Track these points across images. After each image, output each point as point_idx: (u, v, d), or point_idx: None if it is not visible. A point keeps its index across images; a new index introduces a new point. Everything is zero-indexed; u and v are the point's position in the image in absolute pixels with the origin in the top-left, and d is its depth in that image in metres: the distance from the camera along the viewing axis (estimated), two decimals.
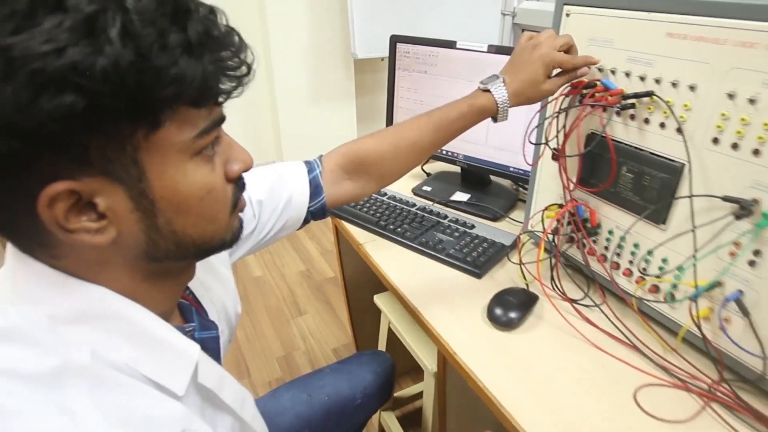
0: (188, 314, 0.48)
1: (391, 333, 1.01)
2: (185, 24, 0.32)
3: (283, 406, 0.78)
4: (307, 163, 0.64)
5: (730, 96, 0.49)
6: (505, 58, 0.65)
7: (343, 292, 1.28)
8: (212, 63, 0.33)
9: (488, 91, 0.61)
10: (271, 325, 1.68)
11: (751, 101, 0.48)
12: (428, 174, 1.11)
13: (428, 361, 0.86)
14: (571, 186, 0.68)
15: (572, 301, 0.69)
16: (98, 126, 0.30)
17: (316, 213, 0.63)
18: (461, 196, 0.99)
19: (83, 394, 0.34)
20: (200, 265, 0.47)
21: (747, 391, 0.55)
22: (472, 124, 0.64)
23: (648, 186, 0.59)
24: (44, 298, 0.36)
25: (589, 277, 0.71)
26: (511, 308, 0.66)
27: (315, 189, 0.62)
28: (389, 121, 1.10)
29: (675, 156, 0.56)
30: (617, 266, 0.66)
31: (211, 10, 0.35)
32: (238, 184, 0.41)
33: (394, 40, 1.02)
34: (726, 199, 0.51)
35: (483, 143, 0.95)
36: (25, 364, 0.33)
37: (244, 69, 0.37)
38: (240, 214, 0.43)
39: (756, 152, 0.48)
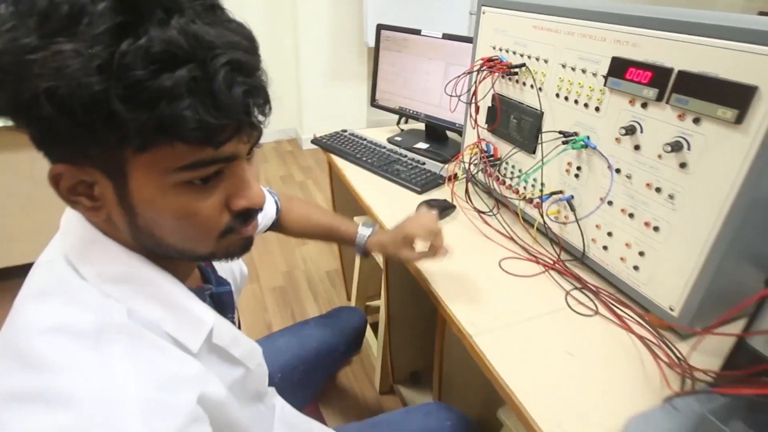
0: (205, 273, 0.52)
1: None
2: (174, 71, 0.30)
3: (279, 348, 0.84)
4: (273, 193, 0.80)
5: (563, 66, 0.71)
6: (457, 44, 0.86)
7: None
8: (207, 110, 0.31)
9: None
10: (279, 248, 1.94)
11: (573, 69, 0.69)
12: (402, 129, 1.34)
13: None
14: (479, 128, 0.91)
15: (479, 211, 0.91)
16: (93, 136, 0.31)
17: (271, 227, 0.80)
18: (422, 145, 1.22)
19: (121, 351, 0.34)
20: None
21: (574, 264, 0.77)
22: (343, 242, 0.81)
23: (524, 127, 0.81)
24: (96, 258, 0.38)
25: (493, 195, 0.94)
26: (433, 207, 0.89)
27: (277, 212, 0.79)
28: (374, 82, 1.31)
29: (538, 106, 0.77)
30: (509, 186, 0.89)
31: (238, 65, 0.32)
32: (241, 215, 0.40)
33: (379, 27, 1.24)
34: (561, 132, 0.73)
35: (437, 104, 1.17)
36: (71, 320, 0.34)
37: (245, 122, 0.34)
38: (246, 236, 0.42)
39: (576, 102, 0.70)
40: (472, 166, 0.95)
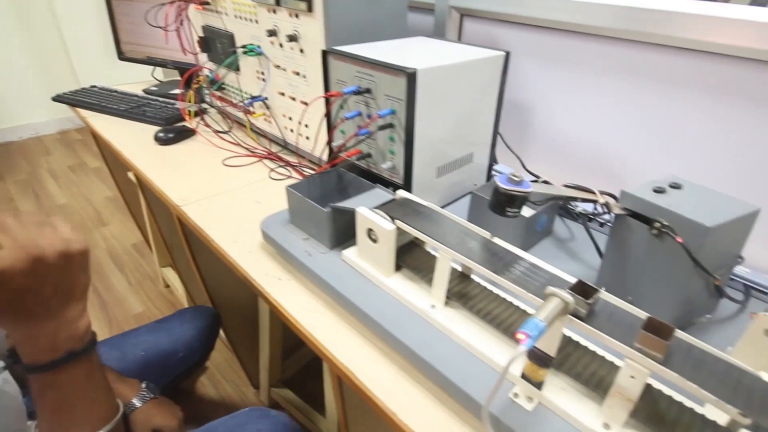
0: None
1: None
2: None
3: None
4: None
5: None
6: None
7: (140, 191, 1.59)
8: None
9: None
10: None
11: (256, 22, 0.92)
12: (160, 81, 1.47)
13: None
14: (200, 58, 1.10)
15: (215, 131, 1.11)
16: None
17: None
18: (178, 91, 1.37)
19: None
20: None
21: (284, 152, 1.02)
22: None
23: (223, 49, 1.03)
24: None
25: (229, 116, 1.15)
26: (170, 133, 1.07)
27: None
28: (115, 35, 1.40)
29: (228, 29, 1.00)
30: (231, 102, 1.10)
31: None
32: None
33: None
34: (243, 46, 0.96)
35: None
36: None
37: None
38: None
39: (247, 19, 0.93)
40: (203, 94, 1.15)
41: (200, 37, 1.07)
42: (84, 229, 1.90)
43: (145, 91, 1.38)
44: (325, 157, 0.85)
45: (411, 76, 0.59)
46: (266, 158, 1.00)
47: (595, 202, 0.59)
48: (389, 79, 0.63)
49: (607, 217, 0.74)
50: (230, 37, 0.99)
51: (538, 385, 0.43)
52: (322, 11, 0.75)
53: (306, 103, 0.87)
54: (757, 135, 0.69)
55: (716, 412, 0.39)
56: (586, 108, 0.88)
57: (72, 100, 1.25)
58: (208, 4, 1.01)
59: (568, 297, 0.38)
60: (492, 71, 0.75)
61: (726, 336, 0.55)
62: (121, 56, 1.39)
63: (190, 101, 1.17)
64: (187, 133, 1.10)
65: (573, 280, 0.42)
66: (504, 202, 0.50)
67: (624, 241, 0.54)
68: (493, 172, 0.87)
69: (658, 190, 0.51)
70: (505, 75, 0.75)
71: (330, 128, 0.79)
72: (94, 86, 1.33)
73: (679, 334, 0.38)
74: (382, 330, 0.53)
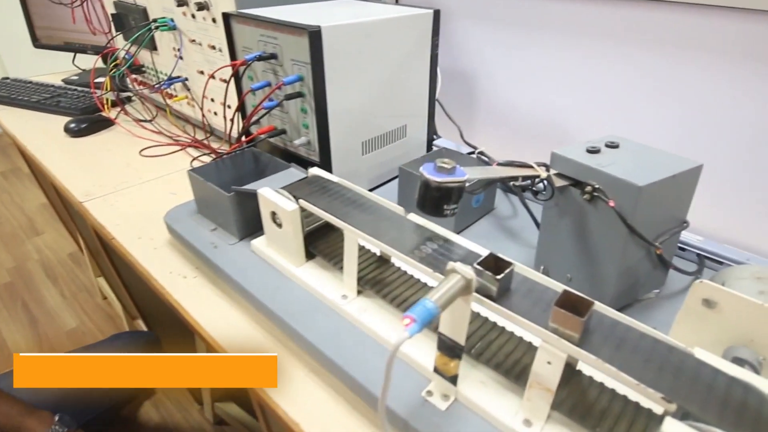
0: None
1: None
2: None
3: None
4: None
5: None
6: None
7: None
8: None
9: None
10: (2, 246, 1.79)
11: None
12: (83, 69, 1.37)
13: None
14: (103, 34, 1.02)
15: (137, 120, 1.03)
16: None
17: None
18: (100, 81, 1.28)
19: None
20: None
21: (212, 139, 0.95)
22: None
23: (137, 26, 0.95)
24: None
25: (149, 102, 1.07)
26: (82, 123, 0.98)
27: None
28: (28, 21, 1.29)
29: (137, 3, 0.92)
30: (150, 86, 1.02)
31: None
32: None
33: None
34: (154, 20, 0.88)
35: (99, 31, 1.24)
36: None
37: None
38: None
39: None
40: (122, 80, 1.07)
41: (112, 14, 0.99)
42: (15, 240, 1.78)
43: (65, 80, 1.28)
44: (244, 138, 0.78)
45: (314, 35, 0.53)
46: (190, 146, 0.93)
47: (535, 177, 0.53)
48: (293, 41, 0.56)
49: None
50: (143, 12, 0.91)
51: (453, 380, 0.38)
52: None
53: (226, 81, 0.80)
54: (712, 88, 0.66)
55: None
56: (533, 72, 0.83)
57: None
58: None
59: (470, 273, 0.32)
60: (419, 32, 0.69)
61: (675, 312, 0.51)
62: (36, 43, 1.29)
63: (107, 89, 1.08)
64: (104, 124, 1.02)
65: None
66: (438, 199, 0.40)
67: (559, 212, 0.49)
68: (435, 147, 0.82)
69: (593, 150, 0.46)
70: (436, 37, 0.70)
71: (242, 105, 0.72)
72: (7, 78, 1.23)
73: (601, 308, 0.33)
74: (287, 327, 0.47)
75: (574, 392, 0.35)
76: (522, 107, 0.87)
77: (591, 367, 0.30)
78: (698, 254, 0.58)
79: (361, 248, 0.50)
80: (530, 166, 0.52)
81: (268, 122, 0.67)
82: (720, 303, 0.35)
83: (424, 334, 0.43)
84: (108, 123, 1.02)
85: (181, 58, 0.89)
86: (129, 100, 1.13)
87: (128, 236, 0.68)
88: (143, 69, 1.03)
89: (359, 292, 0.48)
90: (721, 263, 0.57)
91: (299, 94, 0.59)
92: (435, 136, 0.80)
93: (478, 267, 0.34)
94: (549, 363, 0.32)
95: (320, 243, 0.52)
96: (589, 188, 0.43)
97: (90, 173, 0.85)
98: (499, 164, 0.51)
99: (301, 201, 0.49)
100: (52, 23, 1.26)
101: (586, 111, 0.78)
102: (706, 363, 0.30)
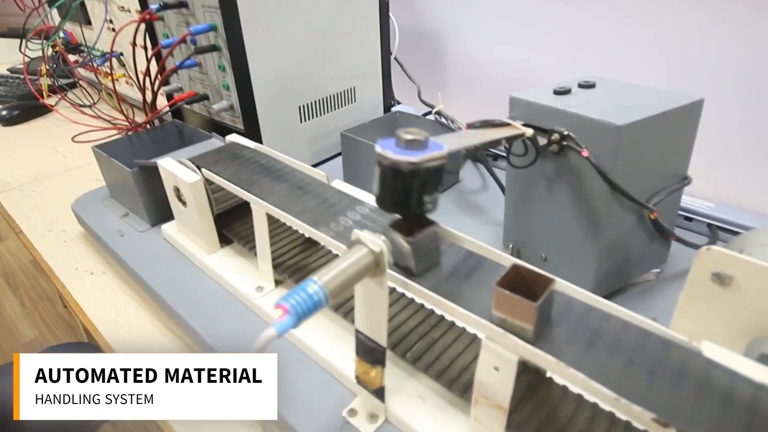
0: None
1: None
2: None
3: None
4: None
5: None
6: None
7: None
8: None
9: None
10: None
11: None
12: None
13: None
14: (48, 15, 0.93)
15: (77, 105, 0.94)
16: None
17: None
18: None
19: None
20: None
21: None
22: None
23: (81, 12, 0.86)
24: None
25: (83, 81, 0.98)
26: (14, 110, 0.90)
27: None
28: None
29: None
30: (99, 71, 0.93)
31: None
32: None
33: None
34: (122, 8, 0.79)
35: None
36: None
37: None
38: None
39: None
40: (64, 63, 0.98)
41: None
42: None
43: (10, 69, 1.19)
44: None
45: None
46: (130, 130, 0.84)
47: (520, 136, 0.43)
48: None
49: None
50: None
51: (379, 394, 0.29)
52: None
53: (142, 46, 0.71)
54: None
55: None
56: (500, 21, 0.72)
57: None
58: None
59: (379, 244, 0.23)
60: None
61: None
62: None
63: (42, 74, 0.99)
64: (38, 110, 0.93)
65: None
66: (413, 189, 0.24)
67: (524, 174, 0.40)
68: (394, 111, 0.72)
69: (561, 91, 0.36)
70: None
71: (162, 69, 0.63)
72: None
73: (567, 289, 0.24)
74: (189, 328, 0.38)
75: (539, 409, 0.26)
76: (494, 65, 0.76)
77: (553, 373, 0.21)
78: (709, 224, 0.48)
79: (284, 228, 0.41)
80: (508, 124, 0.42)
81: (190, 87, 0.58)
82: (737, 278, 0.25)
83: (345, 329, 0.34)
84: (44, 110, 0.93)
85: (113, 29, 0.80)
86: (74, 86, 1.04)
87: (37, 229, 0.60)
88: (81, 48, 0.94)
89: (278, 283, 0.39)
90: (737, 234, 0.47)
91: (214, 47, 0.50)
92: (393, 102, 0.70)
93: (391, 232, 0.25)
94: (496, 369, 0.23)
95: (237, 225, 0.43)
96: (556, 136, 0.34)
97: (11, 162, 0.77)
98: (470, 125, 0.41)
99: (204, 170, 0.40)
100: None
101: (567, 67, 0.68)
102: (719, 364, 0.20)
